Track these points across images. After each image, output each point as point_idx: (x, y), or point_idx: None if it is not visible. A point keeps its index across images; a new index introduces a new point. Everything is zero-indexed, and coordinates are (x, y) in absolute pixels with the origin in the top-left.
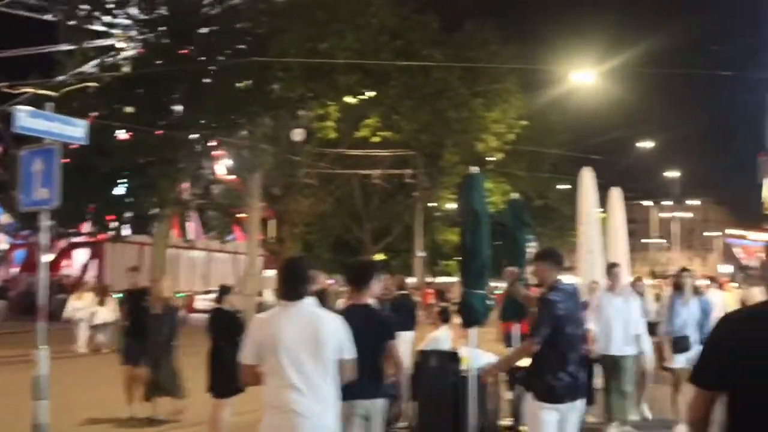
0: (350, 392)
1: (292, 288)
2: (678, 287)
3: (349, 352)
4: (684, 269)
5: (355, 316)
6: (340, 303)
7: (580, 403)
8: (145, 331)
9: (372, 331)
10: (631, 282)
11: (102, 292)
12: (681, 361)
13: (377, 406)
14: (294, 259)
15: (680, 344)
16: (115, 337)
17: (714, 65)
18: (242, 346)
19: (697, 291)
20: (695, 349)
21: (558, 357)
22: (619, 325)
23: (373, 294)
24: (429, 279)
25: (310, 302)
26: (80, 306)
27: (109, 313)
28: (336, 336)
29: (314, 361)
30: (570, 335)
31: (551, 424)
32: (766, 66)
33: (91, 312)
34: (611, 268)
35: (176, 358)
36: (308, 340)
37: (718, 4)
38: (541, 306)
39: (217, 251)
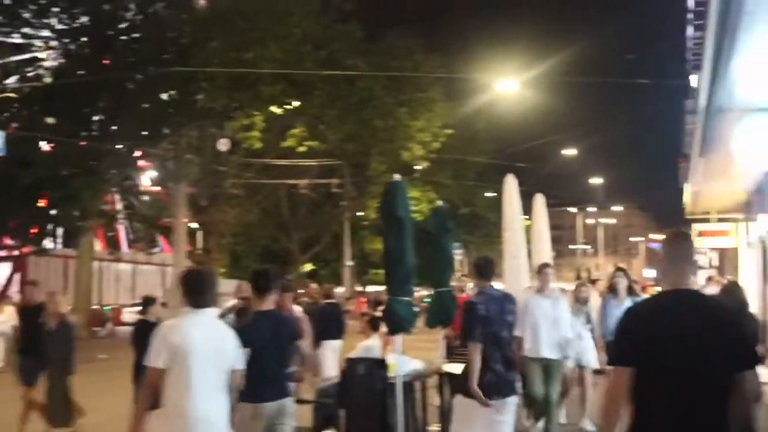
0: (257, 395)
1: (201, 297)
2: (612, 288)
3: (241, 363)
4: (618, 269)
5: (262, 322)
6: None
7: (512, 401)
8: (40, 349)
9: (278, 335)
10: (574, 288)
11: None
12: None
13: (284, 407)
14: (202, 269)
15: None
16: (8, 355)
17: (633, 73)
18: (151, 350)
19: (631, 291)
20: None
21: (482, 356)
22: (547, 328)
23: (275, 300)
24: (359, 288)
25: (212, 312)
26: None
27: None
28: (234, 346)
29: (216, 368)
30: (493, 336)
31: (475, 418)
32: (682, 73)
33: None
34: (542, 268)
35: (70, 379)
36: (213, 349)
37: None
38: (464, 310)
39: (144, 263)
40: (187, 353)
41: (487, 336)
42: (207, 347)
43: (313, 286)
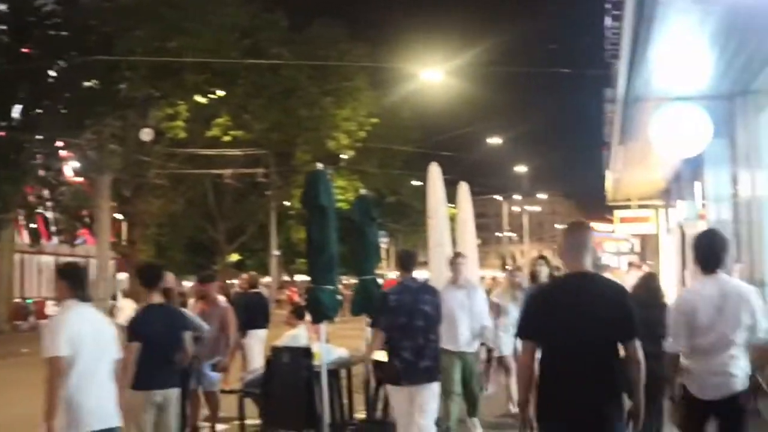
0: (147, 383)
1: (85, 290)
2: (534, 277)
3: (120, 353)
4: (540, 257)
5: (152, 314)
6: (192, 303)
7: (434, 387)
8: None
9: (169, 326)
10: (508, 274)
11: None
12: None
13: (171, 395)
14: (78, 263)
15: None
16: None
17: (556, 63)
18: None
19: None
20: None
21: (391, 344)
22: (463, 320)
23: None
24: (286, 278)
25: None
26: None
27: None
28: (114, 337)
29: (105, 359)
30: (404, 325)
31: (399, 403)
32: (602, 63)
33: None
34: (455, 258)
35: None
36: (102, 340)
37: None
38: (377, 300)
39: (67, 255)
40: (78, 345)
41: (397, 325)
42: (96, 339)
43: (244, 276)
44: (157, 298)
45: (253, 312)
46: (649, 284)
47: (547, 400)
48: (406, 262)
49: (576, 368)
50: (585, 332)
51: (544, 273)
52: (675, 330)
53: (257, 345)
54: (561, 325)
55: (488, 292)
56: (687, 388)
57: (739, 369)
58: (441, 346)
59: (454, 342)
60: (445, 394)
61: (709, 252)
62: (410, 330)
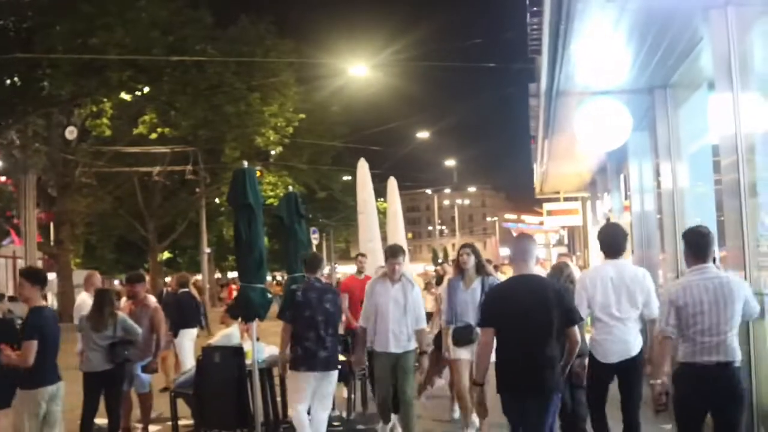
0: (39, 380)
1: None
2: (460, 269)
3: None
4: (465, 245)
5: (42, 314)
6: (123, 303)
7: (332, 375)
8: None
9: (56, 327)
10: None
11: None
12: (464, 354)
13: (59, 390)
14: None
15: (461, 336)
16: None
17: (482, 58)
18: None
19: (481, 270)
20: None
21: (296, 334)
22: (397, 318)
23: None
24: (217, 275)
25: None
26: None
27: None
28: None
29: None
30: (309, 318)
31: (301, 388)
32: (526, 58)
33: None
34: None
35: None
36: None
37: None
38: (284, 295)
39: None
40: None
41: (302, 318)
42: None
43: (173, 276)
44: (41, 301)
45: (183, 311)
46: (561, 271)
47: (504, 375)
48: (313, 264)
49: (525, 349)
50: (530, 322)
51: (470, 263)
52: (578, 301)
53: (188, 344)
54: (514, 315)
55: (427, 285)
56: (593, 354)
57: (632, 337)
58: (372, 347)
59: (383, 343)
60: (380, 400)
61: (611, 240)
62: (314, 323)
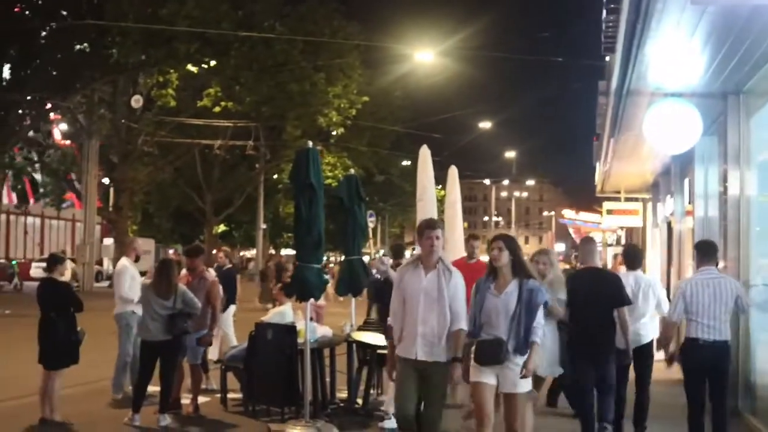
0: None
1: None
2: (492, 267)
3: None
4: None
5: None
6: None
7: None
8: None
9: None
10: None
11: None
12: (488, 378)
13: None
14: None
15: (486, 353)
16: None
17: (550, 49)
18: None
19: (518, 271)
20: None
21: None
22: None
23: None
24: (271, 251)
25: None
26: None
27: None
28: None
29: None
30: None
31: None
32: (597, 54)
33: None
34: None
35: None
36: None
37: None
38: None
39: (54, 218)
40: None
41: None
42: None
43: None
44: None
45: (227, 288)
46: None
47: (577, 344)
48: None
49: (590, 323)
50: (593, 303)
51: (503, 259)
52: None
53: (231, 319)
54: (581, 299)
55: None
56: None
57: (645, 330)
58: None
59: (407, 349)
60: (399, 419)
61: (632, 257)
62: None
